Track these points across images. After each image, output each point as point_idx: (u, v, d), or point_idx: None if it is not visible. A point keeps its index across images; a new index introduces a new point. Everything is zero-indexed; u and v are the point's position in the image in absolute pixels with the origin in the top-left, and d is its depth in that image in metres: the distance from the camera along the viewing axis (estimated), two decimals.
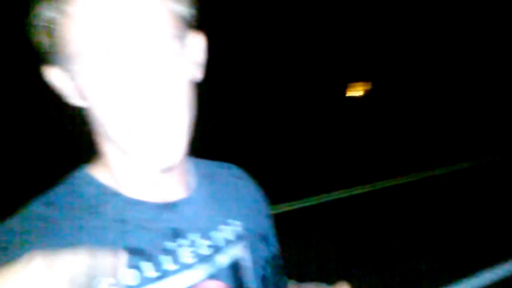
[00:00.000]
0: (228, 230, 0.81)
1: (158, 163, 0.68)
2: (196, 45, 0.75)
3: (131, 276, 0.67)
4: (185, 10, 0.70)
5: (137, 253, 0.69)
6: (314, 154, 9.93)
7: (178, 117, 0.68)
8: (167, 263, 0.71)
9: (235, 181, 0.92)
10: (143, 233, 0.71)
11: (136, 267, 0.68)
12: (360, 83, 17.19)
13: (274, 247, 0.92)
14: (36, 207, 0.68)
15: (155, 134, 0.66)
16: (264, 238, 0.89)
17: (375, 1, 15.09)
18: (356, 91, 17.40)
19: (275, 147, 10.41)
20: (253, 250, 0.84)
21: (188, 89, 0.70)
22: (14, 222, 0.66)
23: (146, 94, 0.64)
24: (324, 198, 6.69)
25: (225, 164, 0.94)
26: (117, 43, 0.63)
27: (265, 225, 0.91)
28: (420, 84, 15.74)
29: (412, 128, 12.25)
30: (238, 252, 0.81)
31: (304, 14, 14.49)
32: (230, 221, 0.83)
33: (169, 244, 0.73)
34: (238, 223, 0.84)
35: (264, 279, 0.84)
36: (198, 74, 0.75)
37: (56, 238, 0.65)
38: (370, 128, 12.69)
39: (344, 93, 16.86)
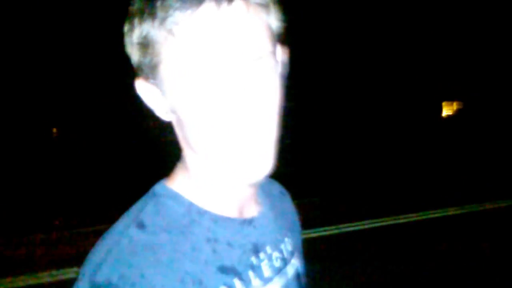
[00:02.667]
0: (288, 242, 0.85)
1: (251, 177, 0.68)
2: (283, 59, 0.75)
3: None
4: (277, 24, 0.70)
5: (230, 272, 0.70)
6: (406, 172, 9.55)
7: (271, 131, 0.68)
8: (254, 279, 0.73)
9: (280, 196, 0.95)
10: (232, 251, 0.72)
11: (230, 286, 0.69)
12: (450, 103, 16.71)
13: (304, 264, 0.94)
14: (132, 232, 0.67)
15: (250, 148, 0.66)
16: (301, 253, 0.92)
17: (466, 22, 14.47)
18: (447, 110, 16.93)
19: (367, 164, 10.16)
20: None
21: (279, 103, 0.69)
22: (123, 252, 0.65)
23: (244, 109, 0.64)
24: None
25: (271, 179, 0.94)
26: (217, 60, 0.63)
27: (300, 242, 0.95)
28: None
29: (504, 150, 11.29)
30: (297, 262, 0.85)
31: (397, 33, 14.22)
32: (289, 233, 0.87)
33: (254, 260, 0.74)
34: (290, 235, 0.87)
35: None
36: (283, 87, 0.74)
37: (163, 268, 0.65)
38: (460, 148, 11.97)
39: (440, 112, 16.40)
